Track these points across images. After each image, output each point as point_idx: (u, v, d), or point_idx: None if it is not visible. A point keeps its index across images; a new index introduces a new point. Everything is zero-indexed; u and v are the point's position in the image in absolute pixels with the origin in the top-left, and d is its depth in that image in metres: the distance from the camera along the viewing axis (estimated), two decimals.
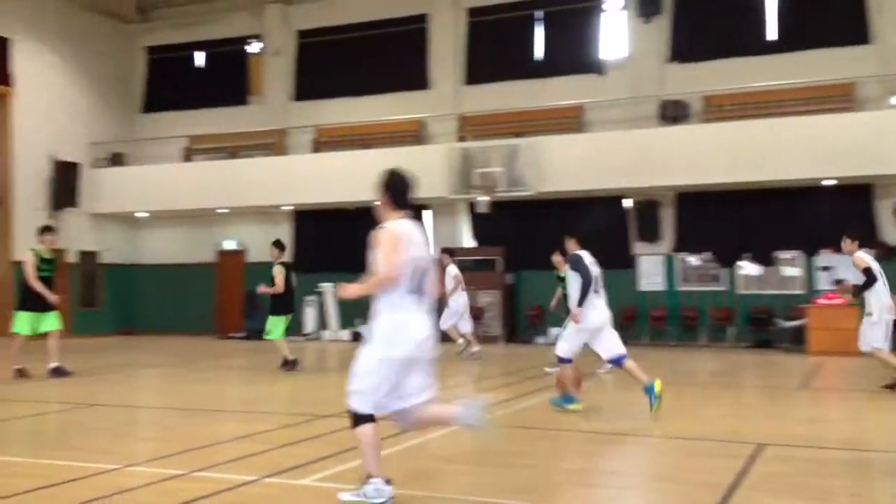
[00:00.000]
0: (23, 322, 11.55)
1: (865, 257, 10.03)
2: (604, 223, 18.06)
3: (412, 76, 20.33)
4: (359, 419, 4.88)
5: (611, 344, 8.44)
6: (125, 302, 21.85)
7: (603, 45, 19.04)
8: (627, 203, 18.22)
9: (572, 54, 19.17)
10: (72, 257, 20.39)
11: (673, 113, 17.89)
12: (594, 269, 8.61)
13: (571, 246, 8.91)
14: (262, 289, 13.01)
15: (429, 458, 6.53)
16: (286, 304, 12.99)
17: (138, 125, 22.80)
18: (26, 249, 12.47)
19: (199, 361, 15.12)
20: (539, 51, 19.58)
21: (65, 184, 20.20)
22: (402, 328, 4.87)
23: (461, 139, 19.31)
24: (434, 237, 19.91)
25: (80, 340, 17.78)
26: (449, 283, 14.39)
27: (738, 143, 16.22)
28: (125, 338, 20.45)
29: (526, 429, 7.75)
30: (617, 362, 8.40)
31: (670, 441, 7.26)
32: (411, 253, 4.92)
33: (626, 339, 9.26)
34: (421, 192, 18.27)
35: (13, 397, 10.07)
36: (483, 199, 17.96)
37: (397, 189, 5.11)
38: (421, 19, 20.50)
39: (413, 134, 20.07)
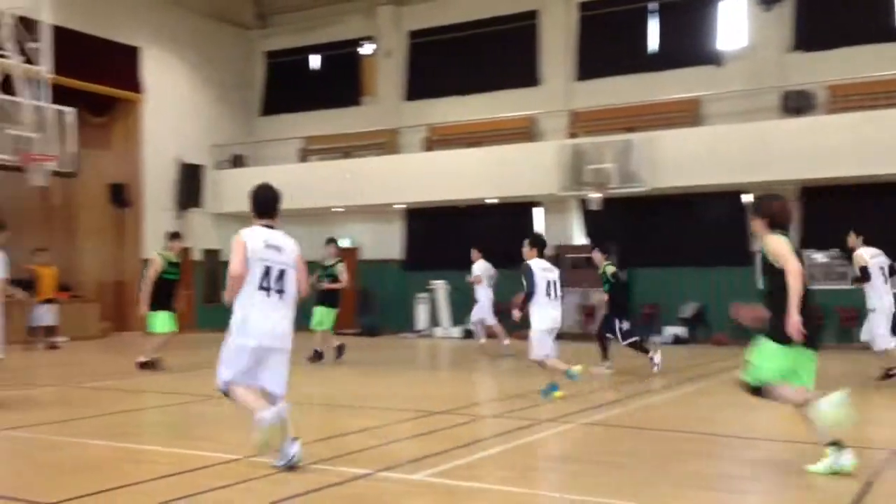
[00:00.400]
0: (160, 322, 12.04)
1: (865, 255, 10.30)
2: (721, 219, 17.50)
3: (523, 73, 20.25)
4: (226, 393, 5.80)
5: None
6: None
7: (721, 36, 18.47)
8: (747, 198, 17.58)
9: (688, 46, 18.67)
10: (196, 255, 21.30)
11: (796, 104, 17.16)
12: (549, 275, 9.25)
13: (528, 254, 9.46)
14: (327, 285, 13.29)
15: (539, 457, 6.48)
16: (339, 298, 13.52)
17: (257, 127, 23.60)
18: (155, 250, 13.03)
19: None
20: (653, 43, 19.17)
21: (190, 185, 21.12)
22: (250, 321, 5.59)
23: (572, 135, 19.09)
24: (545, 235, 19.76)
25: (204, 335, 18.53)
26: (475, 275, 15.16)
27: (867, 134, 15.40)
28: None
29: (638, 429, 7.59)
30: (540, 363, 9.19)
31: (792, 445, 6.95)
32: (259, 255, 5.63)
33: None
34: (531, 189, 18.29)
35: (143, 388, 10.60)
36: (595, 195, 17.69)
37: (257, 200, 5.97)
38: (531, 16, 20.40)
39: (524, 131, 19.98)
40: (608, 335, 12.04)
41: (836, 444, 5.52)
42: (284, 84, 23.36)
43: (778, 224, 5.78)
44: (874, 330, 10.27)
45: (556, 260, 13.48)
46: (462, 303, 19.57)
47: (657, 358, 11.56)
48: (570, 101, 19.66)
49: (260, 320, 5.60)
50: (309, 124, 22.54)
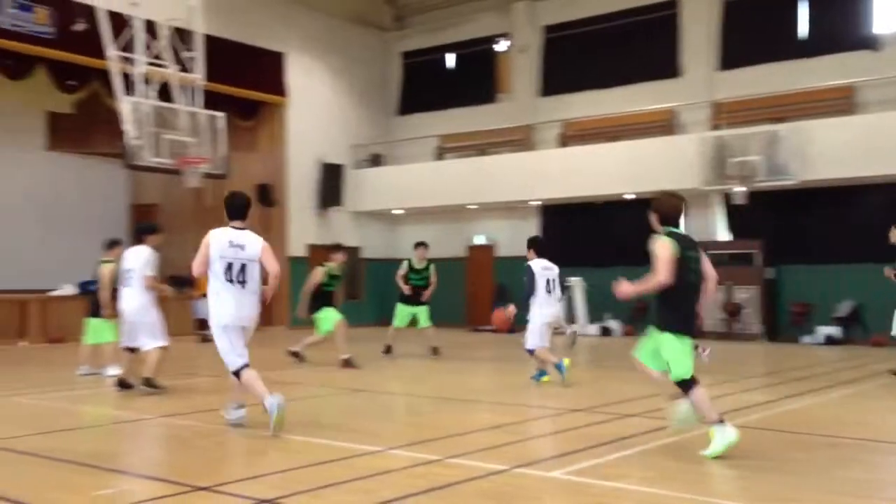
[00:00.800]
0: (327, 320, 12.36)
1: None
2: (878, 213, 16.43)
3: (662, 64, 19.72)
4: (236, 373, 6.91)
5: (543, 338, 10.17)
6: (384, 294, 23.11)
7: (877, 18, 17.34)
8: None
9: (841, 30, 17.66)
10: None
11: None
12: (548, 273, 10.32)
13: (529, 255, 10.48)
14: (406, 288, 13.78)
15: (682, 459, 6.27)
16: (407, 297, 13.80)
17: (395, 127, 24.07)
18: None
19: (450, 352, 15.65)
20: (803, 28, 18.23)
21: (331, 184, 21.80)
22: (218, 305, 6.84)
23: (715, 127, 18.43)
24: (684, 230, 19.17)
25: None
26: None
27: None
28: (384, 328, 21.62)
29: (787, 432, 7.22)
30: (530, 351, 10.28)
31: None
32: (221, 253, 6.77)
33: None
34: (671, 183, 17.80)
35: (289, 381, 11.01)
36: (739, 189, 17.00)
37: (228, 206, 7.10)
38: (671, 5, 19.83)
39: (663, 124, 19.46)
40: None
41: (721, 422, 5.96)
42: (420, 83, 23.73)
43: (666, 221, 6.29)
44: None
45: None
46: (599, 300, 19.29)
47: (704, 354, 11.94)
48: (713, 92, 18.98)
49: (226, 306, 6.81)
50: (445, 123, 22.79)
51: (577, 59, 21.04)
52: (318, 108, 22.01)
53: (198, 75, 15.48)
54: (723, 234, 18.80)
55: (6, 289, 17.88)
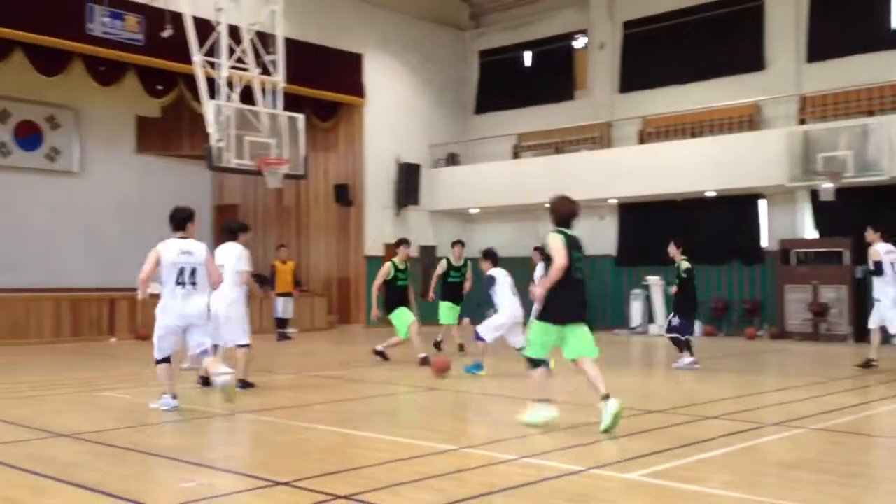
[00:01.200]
0: (403, 319, 12.43)
1: (880, 250, 11.29)
2: None
3: (745, 58, 19.19)
4: (158, 362, 8.08)
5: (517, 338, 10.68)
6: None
7: None
8: None
9: None
10: (413, 252, 22.05)
11: None
12: (509, 279, 11.02)
13: (486, 266, 11.28)
14: (429, 284, 14.56)
15: (766, 463, 6.10)
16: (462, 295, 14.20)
17: (471, 126, 24.09)
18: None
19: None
20: (895, 19, 17.49)
21: (407, 183, 21.95)
22: (167, 307, 7.95)
23: (802, 122, 17.88)
24: (769, 228, 18.67)
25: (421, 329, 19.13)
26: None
27: None
28: (460, 327, 21.60)
29: (876, 437, 6.94)
30: (480, 338, 11.00)
31: None
32: (173, 261, 7.91)
33: None
34: (756, 180, 17.45)
35: (366, 379, 11.15)
36: (828, 185, 16.42)
37: (171, 219, 8.22)
38: None
39: (747, 119, 18.95)
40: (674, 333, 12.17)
41: (606, 398, 6.75)
42: (497, 82, 23.68)
43: (561, 221, 7.22)
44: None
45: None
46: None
47: (685, 361, 11.79)
48: (800, 85, 18.40)
49: (176, 306, 7.90)
50: (521, 121, 22.69)
51: (656, 55, 20.67)
52: (395, 108, 22.19)
53: (279, 78, 15.77)
54: (810, 231, 18.21)
55: (98, 287, 18.62)
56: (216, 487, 5.31)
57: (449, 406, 9.00)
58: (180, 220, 8.28)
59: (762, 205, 18.74)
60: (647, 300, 19.59)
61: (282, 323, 17.71)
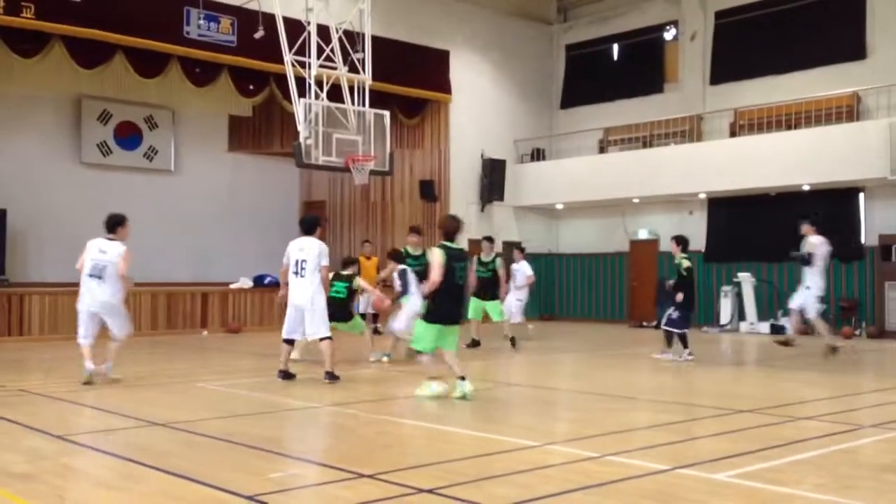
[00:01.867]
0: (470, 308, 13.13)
1: (815, 242, 12.03)
2: None
3: (845, 45, 18.43)
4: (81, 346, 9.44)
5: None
6: (545, 289, 23.05)
7: None
8: None
9: None
10: (497, 247, 22.05)
11: None
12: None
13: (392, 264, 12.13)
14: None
15: (862, 466, 5.88)
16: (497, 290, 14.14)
17: (556, 121, 23.90)
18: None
19: (610, 348, 15.40)
20: None
21: (492, 179, 21.93)
22: (82, 296, 9.36)
23: None
24: (868, 223, 17.92)
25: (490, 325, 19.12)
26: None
27: None
28: (544, 323, 21.56)
29: None
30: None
31: None
32: (91, 256, 9.29)
33: None
34: (854, 173, 16.83)
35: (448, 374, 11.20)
36: None
37: (105, 223, 9.45)
38: None
39: (846, 110, 18.19)
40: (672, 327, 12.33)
41: (463, 379, 8.32)
42: (584, 76, 23.41)
43: (446, 236, 8.50)
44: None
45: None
46: (770, 296, 18.38)
47: (668, 356, 12.25)
48: None
49: (87, 295, 9.27)
50: (609, 115, 22.38)
51: (749, 45, 20.07)
52: (480, 104, 22.19)
53: (366, 76, 15.98)
54: None
55: (191, 281, 19.27)
56: (302, 478, 5.43)
57: (532, 402, 8.98)
58: (110, 225, 9.44)
59: (860, 198, 18.01)
60: (738, 297, 19.08)
61: (362, 317, 17.97)
